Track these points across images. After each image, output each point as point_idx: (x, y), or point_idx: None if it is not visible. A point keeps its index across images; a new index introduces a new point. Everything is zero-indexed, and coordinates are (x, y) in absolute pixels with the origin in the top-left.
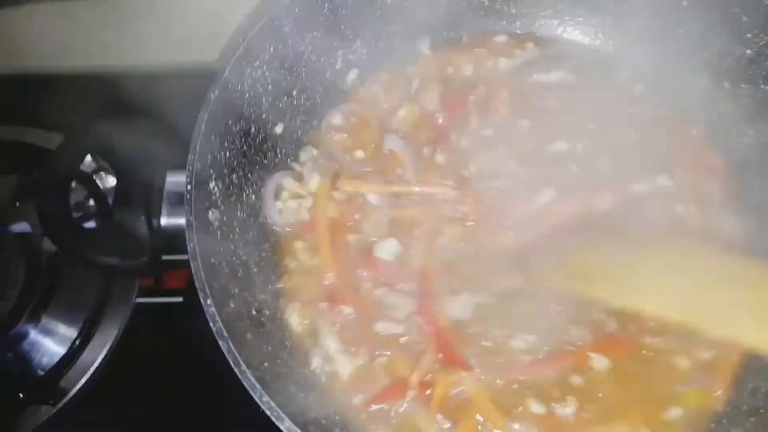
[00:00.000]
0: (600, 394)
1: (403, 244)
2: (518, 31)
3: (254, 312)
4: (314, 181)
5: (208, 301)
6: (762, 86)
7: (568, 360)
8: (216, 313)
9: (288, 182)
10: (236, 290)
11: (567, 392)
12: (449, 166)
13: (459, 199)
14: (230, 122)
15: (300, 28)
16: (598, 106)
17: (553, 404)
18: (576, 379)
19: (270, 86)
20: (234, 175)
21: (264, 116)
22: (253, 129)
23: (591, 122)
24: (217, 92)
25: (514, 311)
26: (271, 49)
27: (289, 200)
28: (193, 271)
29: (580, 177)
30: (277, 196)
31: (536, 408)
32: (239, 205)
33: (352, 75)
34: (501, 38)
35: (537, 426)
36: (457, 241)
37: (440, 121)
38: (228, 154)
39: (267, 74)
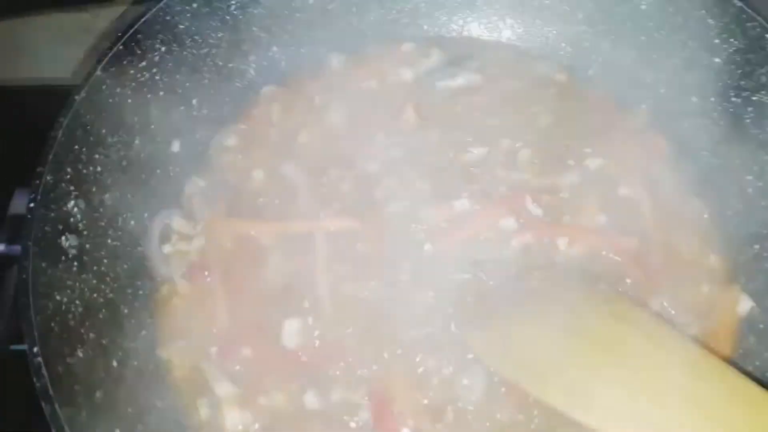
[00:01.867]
0: None
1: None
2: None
3: (115, 364)
4: (205, 217)
5: (35, 349)
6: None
7: None
8: (43, 364)
9: (178, 223)
10: (91, 336)
11: None
12: (353, 194)
13: (363, 233)
14: (104, 131)
15: (200, 26)
16: (515, 102)
17: None
18: None
19: (162, 93)
20: (107, 195)
21: (153, 128)
22: (137, 142)
23: (508, 121)
24: (84, 93)
25: None
26: (163, 48)
27: (179, 243)
28: (18, 309)
29: (504, 179)
30: (165, 239)
31: None
32: (111, 231)
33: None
34: (407, 46)
35: None
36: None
37: (344, 142)
38: (99, 170)
39: (157, 78)
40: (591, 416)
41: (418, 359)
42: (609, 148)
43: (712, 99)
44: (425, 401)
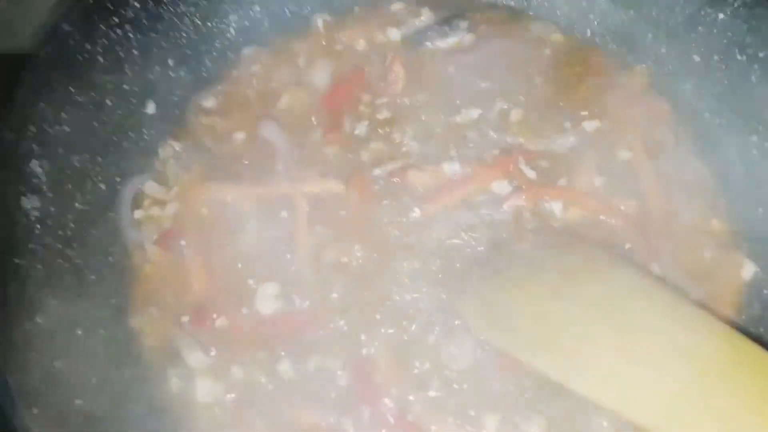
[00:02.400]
0: None
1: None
2: None
3: (80, 332)
4: (180, 182)
5: None
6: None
7: None
8: None
9: (150, 187)
10: (52, 302)
11: None
12: (339, 157)
13: (347, 196)
14: (72, 90)
15: None
16: (508, 64)
17: None
18: None
19: (136, 51)
20: (75, 158)
21: (126, 88)
22: (109, 102)
23: (501, 82)
24: (49, 48)
25: None
26: (137, 4)
27: (152, 208)
28: None
29: (497, 142)
30: (137, 205)
31: None
32: (79, 195)
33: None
34: (397, 5)
35: None
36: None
37: (330, 104)
38: (68, 130)
39: (131, 35)
40: (585, 384)
41: (402, 327)
42: (607, 111)
43: (716, 57)
44: (409, 371)
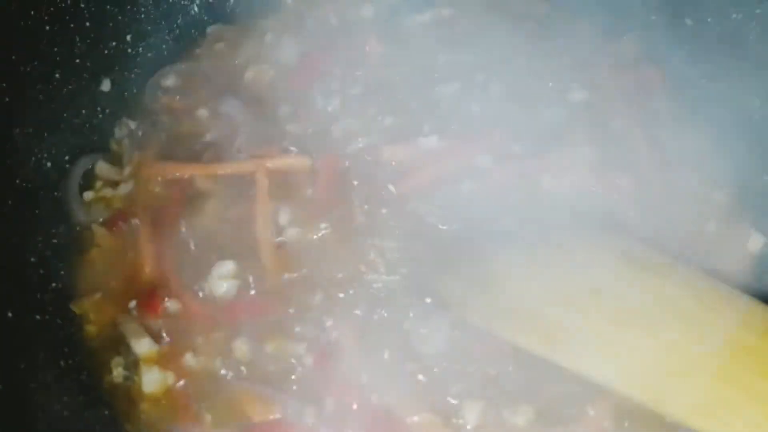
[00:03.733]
0: None
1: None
2: None
3: (10, 315)
4: (134, 162)
5: None
6: None
7: None
8: None
9: (102, 168)
10: None
11: None
12: (308, 133)
13: (314, 173)
14: (14, 58)
15: None
16: (489, 37)
17: None
18: None
19: (88, 24)
20: (17, 131)
21: (78, 62)
22: (57, 75)
23: (481, 56)
24: None
25: None
26: None
27: (104, 189)
28: None
29: (478, 115)
30: (89, 186)
31: None
32: (21, 171)
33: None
34: None
35: None
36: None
37: (299, 80)
38: (7, 100)
39: (83, 6)
40: (576, 358)
41: (372, 309)
42: (595, 81)
43: (709, 19)
44: (379, 355)
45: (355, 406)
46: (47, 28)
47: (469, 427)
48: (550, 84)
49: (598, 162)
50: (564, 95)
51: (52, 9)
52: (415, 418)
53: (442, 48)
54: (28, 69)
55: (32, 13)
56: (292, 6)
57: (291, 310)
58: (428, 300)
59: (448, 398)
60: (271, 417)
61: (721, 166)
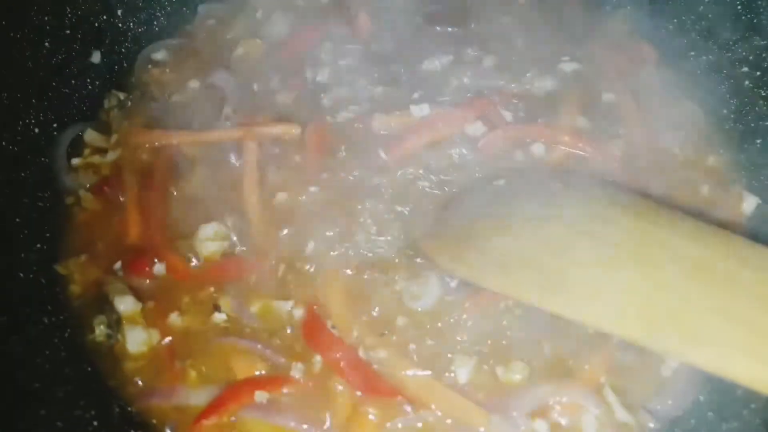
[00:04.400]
0: None
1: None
2: None
3: None
4: (122, 130)
5: None
6: None
7: None
8: None
9: (91, 136)
10: None
11: None
12: (298, 103)
13: (304, 141)
14: (3, 23)
15: None
16: (480, 13)
17: None
18: None
19: None
20: (4, 94)
21: (68, 33)
22: (47, 44)
23: (473, 30)
24: None
25: None
26: None
27: (92, 156)
28: None
29: (469, 86)
30: (77, 153)
31: None
32: (6, 134)
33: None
34: None
35: None
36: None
37: (289, 53)
38: None
39: None
40: (569, 304)
41: (361, 269)
42: (587, 54)
43: None
44: (369, 313)
45: (340, 363)
46: None
47: (461, 382)
48: (543, 57)
49: (590, 130)
50: (555, 66)
51: None
52: (408, 373)
53: (433, 23)
54: (18, 36)
55: None
56: None
57: (280, 269)
58: (419, 260)
59: (437, 354)
60: (257, 373)
61: (715, 133)
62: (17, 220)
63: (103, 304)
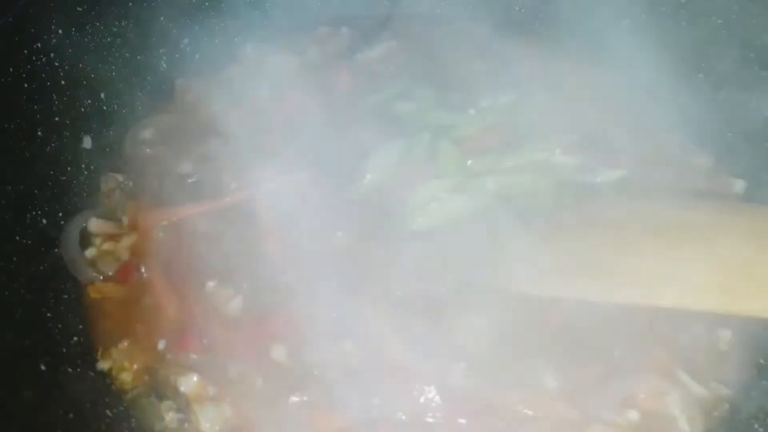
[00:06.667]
0: None
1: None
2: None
3: (43, 367)
4: (129, 212)
5: None
6: None
7: None
8: None
9: (96, 225)
10: (7, 336)
11: None
12: (300, 152)
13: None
14: None
15: (102, 11)
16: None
17: None
18: None
19: (64, 83)
20: (9, 188)
21: (57, 120)
22: (40, 133)
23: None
24: None
25: None
26: (60, 31)
27: (105, 244)
28: None
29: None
30: (88, 243)
31: None
32: (18, 228)
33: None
34: (322, 29)
35: None
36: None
37: (277, 114)
38: None
39: (57, 65)
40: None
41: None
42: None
43: (643, 17)
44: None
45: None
46: (25, 85)
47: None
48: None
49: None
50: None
51: (29, 66)
52: None
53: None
54: (11, 126)
55: (11, 70)
56: (253, 55)
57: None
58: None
59: None
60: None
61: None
62: (48, 314)
63: (161, 387)
